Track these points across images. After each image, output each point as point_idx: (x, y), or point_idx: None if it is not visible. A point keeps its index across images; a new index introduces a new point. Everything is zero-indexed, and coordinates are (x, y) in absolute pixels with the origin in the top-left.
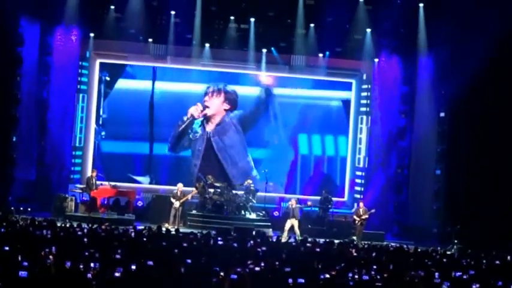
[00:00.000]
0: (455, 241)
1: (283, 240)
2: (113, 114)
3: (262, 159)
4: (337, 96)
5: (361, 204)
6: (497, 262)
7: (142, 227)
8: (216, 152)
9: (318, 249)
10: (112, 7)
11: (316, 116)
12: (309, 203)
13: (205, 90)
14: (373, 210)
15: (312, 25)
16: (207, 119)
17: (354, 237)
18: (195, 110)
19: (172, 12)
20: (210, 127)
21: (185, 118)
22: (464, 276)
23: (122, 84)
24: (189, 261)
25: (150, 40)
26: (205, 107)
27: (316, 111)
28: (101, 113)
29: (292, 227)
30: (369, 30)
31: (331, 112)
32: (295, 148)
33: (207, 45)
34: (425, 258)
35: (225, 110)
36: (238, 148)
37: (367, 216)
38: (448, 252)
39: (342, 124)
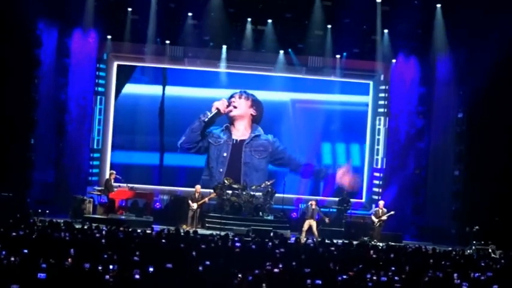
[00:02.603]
0: (474, 242)
1: (302, 241)
2: (120, 122)
3: (282, 172)
4: (363, 101)
5: (380, 205)
6: None
7: (161, 229)
8: (241, 163)
9: (336, 251)
10: (129, 9)
11: (341, 123)
12: (327, 221)
13: (232, 94)
14: (392, 212)
15: (329, 26)
16: (231, 121)
17: (365, 238)
18: (221, 104)
19: (190, 14)
20: (236, 134)
21: (209, 113)
22: (482, 277)
23: (129, 89)
24: (207, 262)
25: (167, 42)
26: (233, 107)
27: (340, 118)
28: None
29: (310, 228)
30: (386, 31)
31: (356, 118)
32: (318, 158)
33: (224, 47)
34: (444, 259)
35: (251, 115)
36: (261, 175)
37: (385, 218)
38: (467, 253)
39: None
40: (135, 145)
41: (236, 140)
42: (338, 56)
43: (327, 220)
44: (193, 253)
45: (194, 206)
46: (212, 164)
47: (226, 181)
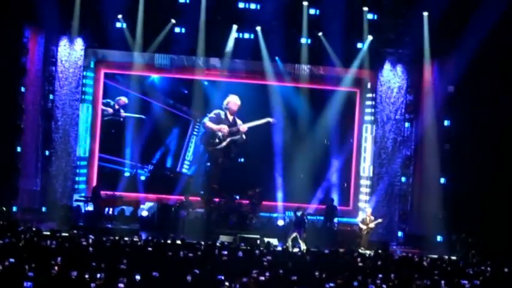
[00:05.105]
0: (459, 249)
1: (289, 249)
2: (105, 129)
3: (268, 178)
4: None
5: (368, 212)
6: (506, 270)
7: (148, 237)
8: (225, 170)
9: (323, 259)
10: (118, 17)
11: (328, 129)
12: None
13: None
14: (380, 220)
15: (320, 34)
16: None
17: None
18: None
19: (173, 21)
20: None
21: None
22: (467, 285)
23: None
24: (197, 272)
25: (154, 50)
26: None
27: (327, 124)
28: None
29: (296, 237)
30: (371, 38)
31: (343, 125)
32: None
33: (211, 55)
34: (431, 266)
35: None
36: (245, 182)
37: (373, 225)
38: (454, 260)
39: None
40: (121, 153)
41: (221, 147)
42: (325, 64)
43: (303, 236)
44: (181, 261)
45: (184, 213)
46: (199, 171)
47: (213, 189)
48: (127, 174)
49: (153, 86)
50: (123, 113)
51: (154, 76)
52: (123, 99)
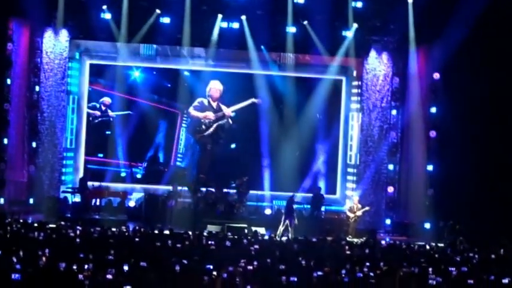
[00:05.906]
0: (447, 236)
1: (278, 238)
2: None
3: (256, 167)
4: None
5: (355, 200)
6: (493, 256)
7: (135, 228)
8: (212, 159)
9: (310, 247)
10: (102, 8)
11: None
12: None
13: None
14: (367, 208)
15: (305, 23)
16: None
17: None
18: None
19: (158, 11)
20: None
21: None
22: (454, 272)
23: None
24: (185, 261)
25: (140, 40)
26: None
27: (313, 113)
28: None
29: (287, 225)
30: (356, 25)
31: (329, 113)
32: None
33: (197, 44)
34: (419, 254)
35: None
36: (233, 171)
37: (361, 213)
38: (441, 247)
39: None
40: (115, 154)
41: (208, 133)
42: (310, 53)
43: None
44: (168, 251)
45: (171, 203)
46: (192, 162)
47: (200, 178)
48: (123, 174)
49: (135, 84)
50: (110, 113)
51: (136, 75)
52: (107, 99)
